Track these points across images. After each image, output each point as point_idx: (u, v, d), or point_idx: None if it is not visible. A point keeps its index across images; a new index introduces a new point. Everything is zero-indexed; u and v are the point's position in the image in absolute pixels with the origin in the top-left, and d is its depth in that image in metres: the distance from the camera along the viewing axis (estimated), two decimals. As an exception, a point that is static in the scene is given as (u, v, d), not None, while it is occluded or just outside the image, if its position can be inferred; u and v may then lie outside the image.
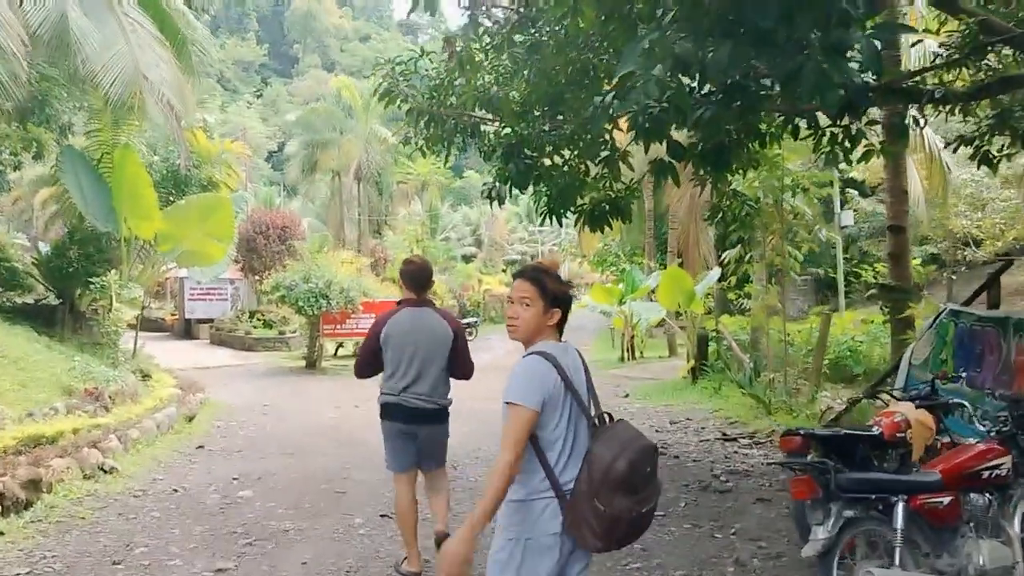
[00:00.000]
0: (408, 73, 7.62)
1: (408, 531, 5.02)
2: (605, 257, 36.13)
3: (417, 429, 4.98)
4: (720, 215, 9.79)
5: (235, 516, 6.32)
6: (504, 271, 58.30)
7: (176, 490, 7.08)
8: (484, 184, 7.82)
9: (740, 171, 9.01)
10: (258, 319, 24.40)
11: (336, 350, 21.31)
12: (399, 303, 5.10)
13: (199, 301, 26.59)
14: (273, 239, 24.66)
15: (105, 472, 7.39)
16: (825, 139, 6.79)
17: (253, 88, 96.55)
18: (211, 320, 25.87)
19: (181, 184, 16.11)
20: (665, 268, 20.61)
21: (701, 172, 8.49)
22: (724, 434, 9.76)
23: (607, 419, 2.90)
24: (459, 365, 5.15)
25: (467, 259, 50.59)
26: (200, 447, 9.20)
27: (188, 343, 24.97)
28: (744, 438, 9.44)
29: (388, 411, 5.02)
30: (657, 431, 10.30)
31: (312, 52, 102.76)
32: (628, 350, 19.06)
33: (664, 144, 7.32)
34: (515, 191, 7.90)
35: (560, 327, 2.90)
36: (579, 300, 55.76)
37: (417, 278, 5.04)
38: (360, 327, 18.26)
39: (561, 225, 7.84)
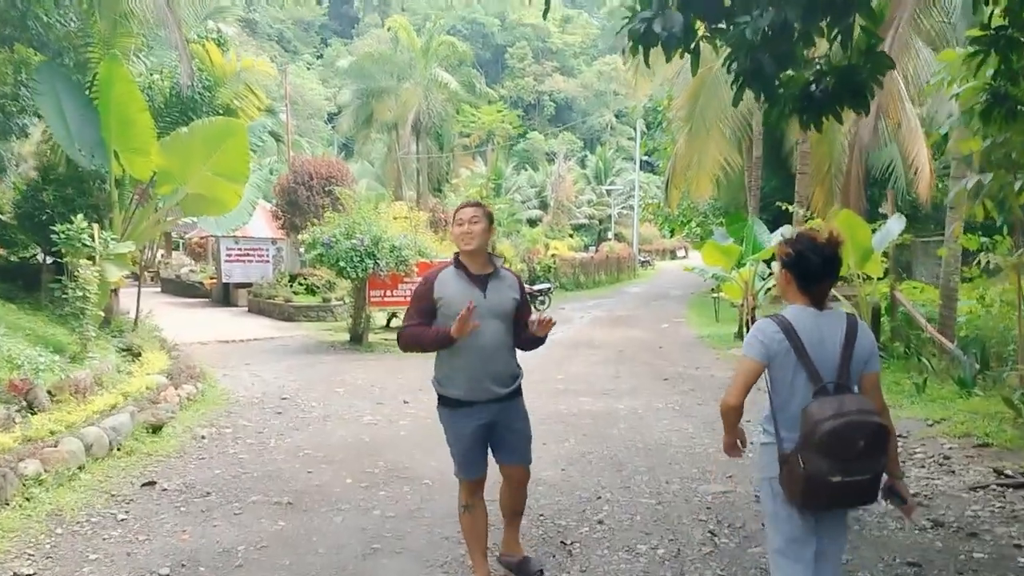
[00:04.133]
0: None
1: None
2: (690, 217, 31.94)
3: None
4: (998, 110, 5.86)
5: None
6: (571, 235, 54.43)
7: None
8: (627, 19, 4.00)
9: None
10: (300, 284, 21.11)
11: (388, 321, 17.87)
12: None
13: (236, 263, 23.40)
14: (317, 191, 21.22)
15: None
16: None
17: (312, 49, 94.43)
18: (250, 285, 22.71)
19: (188, 111, 12.70)
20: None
21: None
22: (1000, 474, 5.92)
23: (845, 388, 2.84)
24: None
25: (532, 223, 46.85)
26: (149, 484, 5.72)
27: (224, 311, 21.85)
28: (1044, 484, 5.61)
29: None
30: (874, 462, 6.52)
31: (372, 11, 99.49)
32: (749, 324, 15.15)
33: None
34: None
35: (810, 291, 2.92)
36: (652, 266, 52.21)
37: None
38: (415, 294, 14.71)
39: (771, 104, 3.84)
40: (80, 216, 9.69)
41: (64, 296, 9.48)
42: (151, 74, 13.00)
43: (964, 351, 9.21)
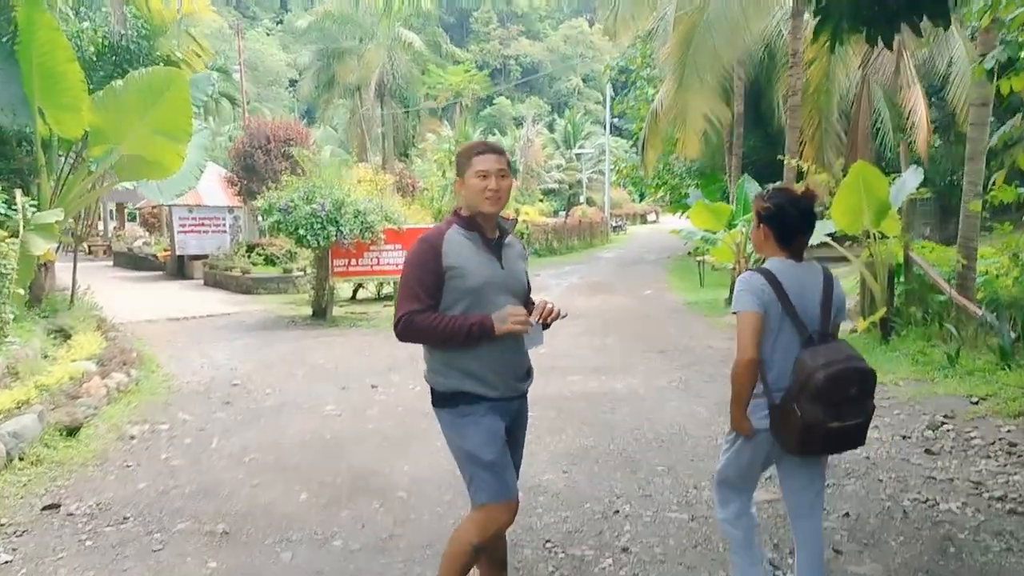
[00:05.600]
0: None
1: None
2: (665, 179, 30.81)
3: None
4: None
5: None
6: (541, 200, 53.23)
7: None
8: None
9: None
10: (258, 254, 19.80)
11: (354, 293, 16.69)
12: None
13: (191, 234, 22.01)
14: (275, 154, 19.84)
15: None
16: None
17: (272, 14, 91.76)
18: (207, 256, 21.37)
19: (123, 63, 11.31)
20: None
21: None
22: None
23: (827, 337, 2.87)
24: None
25: (501, 188, 45.46)
26: (51, 507, 4.58)
27: (178, 285, 20.52)
28: None
29: None
30: (931, 452, 5.52)
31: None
32: (741, 290, 14.13)
33: None
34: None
35: (789, 245, 2.92)
36: (624, 231, 51.20)
37: None
38: (383, 263, 13.57)
39: (827, 16, 2.72)
40: (-9, 180, 8.40)
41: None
42: (80, 21, 11.53)
43: (997, 316, 8.27)
